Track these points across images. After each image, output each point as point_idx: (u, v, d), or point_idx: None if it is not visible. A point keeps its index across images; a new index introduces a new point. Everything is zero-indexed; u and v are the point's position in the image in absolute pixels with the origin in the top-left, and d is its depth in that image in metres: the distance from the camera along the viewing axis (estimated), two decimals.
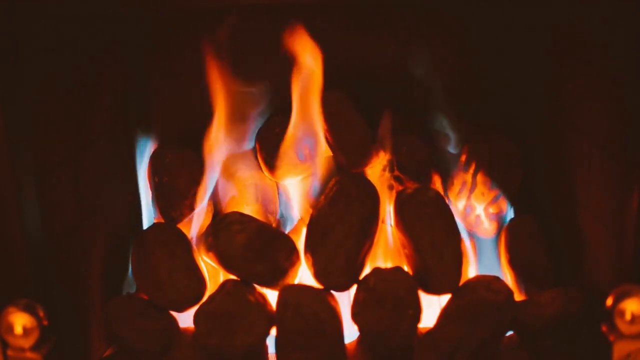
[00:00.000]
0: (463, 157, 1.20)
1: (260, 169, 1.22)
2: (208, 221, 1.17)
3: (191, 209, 1.18)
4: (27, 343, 0.88)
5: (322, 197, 1.08)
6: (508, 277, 1.14)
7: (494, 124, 1.28)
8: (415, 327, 1.00)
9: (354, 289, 1.05)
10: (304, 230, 1.10)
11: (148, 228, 1.13)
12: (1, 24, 0.87)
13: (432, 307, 1.09)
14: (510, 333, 1.04)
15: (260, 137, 1.22)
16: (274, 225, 1.21)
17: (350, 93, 1.20)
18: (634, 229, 0.91)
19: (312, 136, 1.17)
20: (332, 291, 1.05)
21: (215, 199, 1.21)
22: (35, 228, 0.92)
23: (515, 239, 1.15)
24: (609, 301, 0.89)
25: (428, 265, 1.02)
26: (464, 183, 1.19)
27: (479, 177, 1.18)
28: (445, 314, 1.02)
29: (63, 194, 1.00)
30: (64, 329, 0.95)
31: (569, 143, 1.11)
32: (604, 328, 0.91)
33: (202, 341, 1.01)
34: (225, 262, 1.05)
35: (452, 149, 1.21)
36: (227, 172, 1.21)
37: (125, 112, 1.23)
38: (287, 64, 1.16)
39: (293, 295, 1.01)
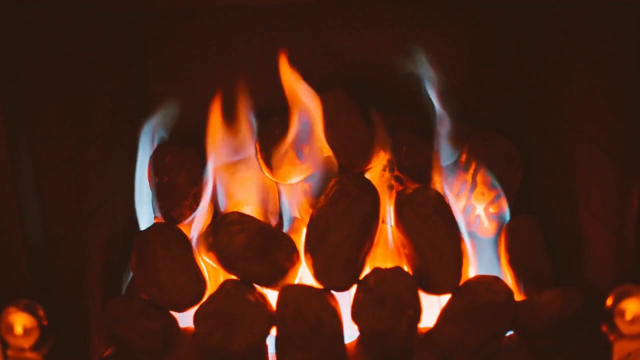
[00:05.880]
0: (463, 157, 1.20)
1: (260, 169, 1.22)
2: (208, 221, 1.17)
3: (191, 209, 1.18)
4: (27, 343, 0.88)
5: (322, 197, 1.08)
6: (508, 277, 1.14)
7: (494, 124, 1.28)
8: (415, 327, 1.00)
9: (354, 289, 1.05)
10: (304, 230, 1.10)
11: (148, 228, 1.13)
12: (1, 24, 0.87)
13: (432, 307, 1.09)
14: (510, 333, 1.04)
15: (260, 137, 1.22)
16: (274, 225, 1.21)
17: (350, 93, 1.20)
18: (634, 229, 0.91)
19: (312, 136, 1.17)
20: (332, 291, 1.05)
21: (215, 199, 1.21)
22: (35, 228, 0.92)
23: (515, 239, 1.15)
24: (609, 301, 0.89)
25: (428, 265, 1.02)
26: (464, 183, 1.19)
27: (479, 177, 1.18)
28: (445, 314, 1.02)
29: (63, 194, 1.00)
30: (64, 329, 0.95)
31: (569, 143, 1.11)
32: (604, 328, 0.91)
33: (202, 341, 1.01)
34: (225, 262, 1.05)
35: (452, 149, 1.21)
36: (227, 172, 1.20)
37: (125, 111, 1.23)
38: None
39: (293, 295, 1.01)
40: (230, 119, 1.18)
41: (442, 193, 1.11)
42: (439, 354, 1.01)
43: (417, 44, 1.26)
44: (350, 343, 1.04)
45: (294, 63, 1.15)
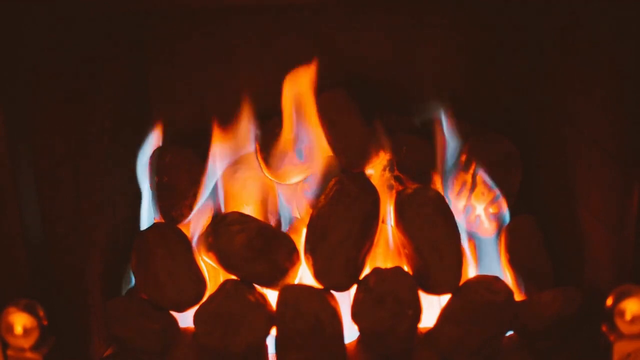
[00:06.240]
0: (463, 157, 1.20)
1: (260, 169, 1.22)
2: (208, 221, 1.17)
3: (191, 209, 1.18)
4: (27, 343, 0.88)
5: (322, 197, 1.08)
6: (508, 277, 1.14)
7: (494, 124, 1.28)
8: (415, 327, 1.00)
9: (354, 289, 1.05)
10: (304, 230, 1.10)
11: (148, 228, 1.13)
12: (1, 24, 0.87)
13: (432, 307, 1.09)
14: (510, 333, 1.04)
15: (260, 137, 1.22)
16: (274, 225, 1.21)
17: (350, 93, 1.20)
18: (634, 229, 0.91)
19: (312, 136, 1.17)
20: (332, 291, 1.05)
21: (215, 199, 1.21)
22: (35, 228, 0.92)
23: (515, 239, 1.15)
24: (609, 301, 0.89)
25: (428, 265, 1.02)
26: (464, 183, 1.19)
27: (479, 177, 1.18)
28: (445, 314, 1.02)
29: (63, 194, 1.00)
30: (64, 329, 0.95)
31: (569, 143, 1.11)
32: (604, 328, 0.91)
33: (202, 341, 1.01)
34: (225, 262, 1.05)
35: (452, 149, 1.21)
36: (227, 172, 1.20)
37: (125, 111, 1.23)
38: (287, 63, 1.16)
39: (293, 295, 1.01)
40: (230, 118, 1.18)
41: (442, 193, 1.11)
42: (439, 354, 1.01)
43: (417, 44, 1.27)
44: (350, 343, 1.04)
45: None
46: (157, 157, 1.21)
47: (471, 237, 1.19)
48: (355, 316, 1.00)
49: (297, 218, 1.22)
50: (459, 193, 1.20)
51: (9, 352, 0.89)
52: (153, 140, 1.24)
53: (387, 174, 1.19)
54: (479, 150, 1.19)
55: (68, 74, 1.02)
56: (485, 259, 1.17)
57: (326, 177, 1.16)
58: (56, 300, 0.95)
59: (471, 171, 1.18)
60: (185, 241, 1.11)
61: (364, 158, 1.17)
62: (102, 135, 1.13)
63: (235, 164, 1.22)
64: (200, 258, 1.11)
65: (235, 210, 1.15)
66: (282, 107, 1.16)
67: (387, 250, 1.13)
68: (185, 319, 1.09)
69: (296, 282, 1.10)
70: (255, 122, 1.21)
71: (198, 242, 1.12)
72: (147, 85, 1.32)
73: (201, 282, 1.08)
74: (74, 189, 1.03)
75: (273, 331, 1.02)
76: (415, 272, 1.05)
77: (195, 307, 1.04)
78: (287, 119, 1.16)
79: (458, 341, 0.99)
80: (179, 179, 1.19)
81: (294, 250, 1.08)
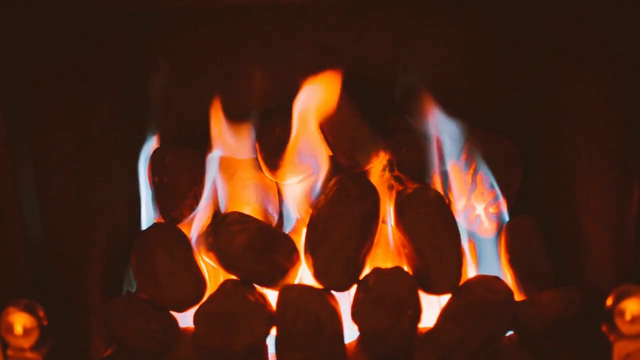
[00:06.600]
0: (463, 157, 1.20)
1: (260, 169, 1.22)
2: (208, 221, 1.17)
3: (191, 209, 1.18)
4: (27, 343, 0.88)
5: (322, 196, 1.08)
6: (508, 277, 1.14)
7: (494, 124, 1.28)
8: (415, 327, 1.00)
9: (354, 289, 1.05)
10: (304, 230, 1.10)
11: (148, 228, 1.13)
12: (1, 24, 0.87)
13: (432, 307, 1.09)
14: (510, 333, 1.04)
15: (260, 137, 1.22)
16: (274, 225, 1.21)
17: (350, 93, 1.20)
18: (634, 229, 0.91)
19: (312, 136, 1.17)
20: (332, 291, 1.05)
21: (215, 199, 1.21)
22: (35, 228, 0.92)
23: (515, 239, 1.15)
24: (609, 301, 0.89)
25: (428, 265, 1.02)
26: (464, 183, 1.19)
27: (479, 177, 1.18)
28: (445, 314, 1.02)
29: (63, 194, 1.00)
30: (64, 329, 0.95)
31: (569, 143, 1.11)
32: (604, 328, 0.91)
33: (202, 341, 1.01)
34: (225, 262, 1.05)
35: (451, 148, 1.21)
36: (227, 172, 1.21)
37: (125, 111, 1.23)
38: (287, 63, 1.16)
39: (293, 295, 1.01)
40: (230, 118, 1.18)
41: (442, 193, 1.11)
42: (439, 354, 1.01)
43: (417, 44, 1.27)
44: (350, 343, 1.04)
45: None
46: (157, 157, 1.21)
47: (471, 237, 1.19)
48: (355, 316, 1.00)
49: (297, 218, 1.22)
50: (459, 193, 1.20)
51: (9, 352, 0.89)
52: (153, 140, 1.24)
53: (387, 174, 1.19)
54: (479, 151, 1.19)
55: (68, 74, 1.02)
56: (485, 259, 1.17)
57: (326, 177, 1.16)
58: (56, 300, 0.95)
59: (471, 171, 1.18)
60: (185, 241, 1.11)
61: (364, 158, 1.17)
62: (102, 135, 1.13)
63: (235, 164, 1.22)
64: (200, 258, 1.11)
65: (235, 210, 1.15)
66: (284, 106, 1.16)
67: (387, 250, 1.13)
68: (185, 319, 1.09)
69: (296, 282, 1.10)
70: (256, 122, 1.21)
71: (198, 242, 1.12)
72: (148, 84, 1.32)
73: (201, 282, 1.08)
74: (74, 189, 1.03)
75: (273, 331, 1.02)
76: (415, 272, 1.05)
77: (195, 307, 1.04)
78: (288, 118, 1.16)
79: (458, 341, 0.99)
80: (179, 179, 1.19)
81: (294, 250, 1.08)
